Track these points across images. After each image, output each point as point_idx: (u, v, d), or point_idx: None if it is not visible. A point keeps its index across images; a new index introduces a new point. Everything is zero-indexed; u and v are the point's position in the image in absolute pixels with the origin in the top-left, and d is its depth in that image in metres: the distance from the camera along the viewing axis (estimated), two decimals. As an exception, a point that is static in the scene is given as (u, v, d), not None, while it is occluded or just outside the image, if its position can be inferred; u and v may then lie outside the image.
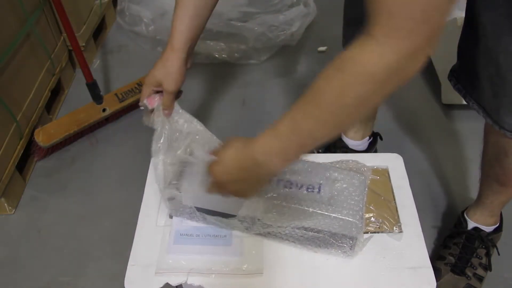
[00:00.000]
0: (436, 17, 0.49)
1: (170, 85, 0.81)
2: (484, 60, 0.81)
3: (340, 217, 0.73)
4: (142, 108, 0.85)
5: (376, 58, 0.50)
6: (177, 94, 0.84)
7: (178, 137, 0.84)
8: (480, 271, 1.09)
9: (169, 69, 0.80)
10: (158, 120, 0.83)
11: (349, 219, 0.73)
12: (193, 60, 0.85)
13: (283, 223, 0.76)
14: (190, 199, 0.78)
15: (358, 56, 0.51)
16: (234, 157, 0.63)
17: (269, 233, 0.79)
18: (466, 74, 0.91)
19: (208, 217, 0.80)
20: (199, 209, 0.80)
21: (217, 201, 0.71)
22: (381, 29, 0.49)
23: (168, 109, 0.83)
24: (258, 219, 0.76)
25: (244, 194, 0.69)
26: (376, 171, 0.92)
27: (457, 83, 0.94)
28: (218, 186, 0.67)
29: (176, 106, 0.85)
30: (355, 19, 0.68)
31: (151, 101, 0.84)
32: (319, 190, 0.77)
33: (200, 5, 0.80)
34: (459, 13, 1.36)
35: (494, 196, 1.06)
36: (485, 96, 0.86)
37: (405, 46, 0.49)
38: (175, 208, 0.82)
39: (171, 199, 0.80)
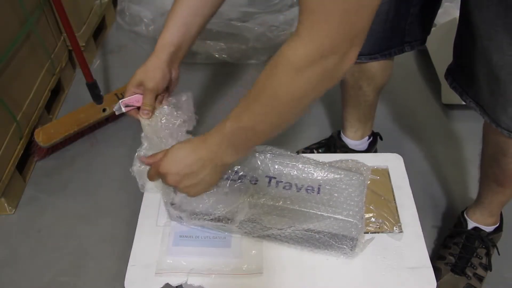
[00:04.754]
0: (355, 18, 0.50)
1: (148, 82, 0.80)
2: (479, 59, 0.81)
3: (341, 218, 0.73)
4: (117, 112, 0.83)
5: (299, 54, 0.52)
6: (162, 96, 0.83)
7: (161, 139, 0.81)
8: (480, 271, 1.09)
9: (148, 67, 0.81)
10: (144, 124, 0.82)
11: (350, 219, 0.73)
12: (179, 66, 0.85)
13: (284, 226, 0.76)
14: (186, 203, 0.78)
15: (285, 51, 0.53)
16: (184, 155, 0.68)
17: (269, 235, 0.79)
18: (462, 73, 0.91)
19: (206, 223, 0.80)
20: (195, 214, 0.79)
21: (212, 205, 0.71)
22: (304, 26, 0.51)
23: (146, 108, 0.81)
24: (258, 223, 0.76)
25: (196, 191, 0.71)
26: (376, 171, 0.92)
27: (453, 82, 0.94)
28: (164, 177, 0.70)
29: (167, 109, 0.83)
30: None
31: (130, 101, 0.82)
32: (319, 191, 0.77)
33: (200, 3, 0.80)
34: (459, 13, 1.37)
35: (493, 197, 1.06)
36: (481, 94, 0.86)
37: (325, 43, 0.50)
38: (175, 214, 0.82)
39: (172, 204, 0.79)
